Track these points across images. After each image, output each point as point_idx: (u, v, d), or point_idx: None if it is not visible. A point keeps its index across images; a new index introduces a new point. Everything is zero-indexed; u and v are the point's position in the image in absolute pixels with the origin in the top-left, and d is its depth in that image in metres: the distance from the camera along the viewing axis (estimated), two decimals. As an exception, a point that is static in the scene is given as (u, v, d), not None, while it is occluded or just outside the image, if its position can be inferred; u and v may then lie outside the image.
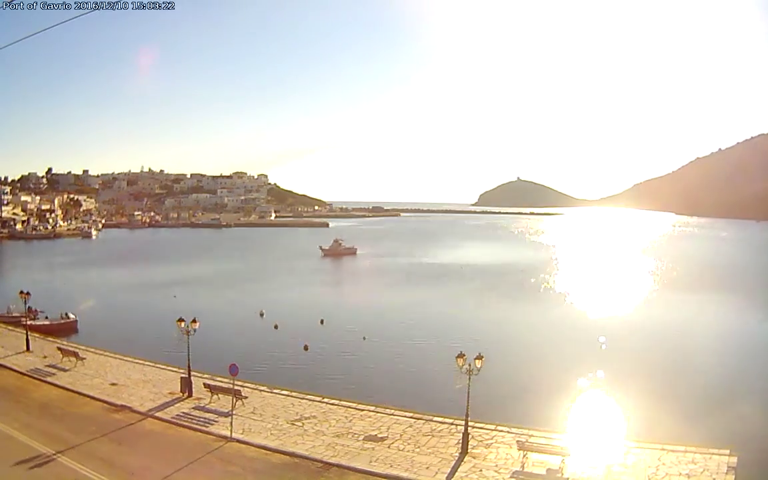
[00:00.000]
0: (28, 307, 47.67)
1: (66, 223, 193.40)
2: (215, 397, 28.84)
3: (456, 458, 22.26)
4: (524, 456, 22.03)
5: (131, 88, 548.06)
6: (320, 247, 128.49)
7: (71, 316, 52.61)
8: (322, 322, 56.18)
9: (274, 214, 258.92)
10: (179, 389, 29.85)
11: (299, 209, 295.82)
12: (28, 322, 41.91)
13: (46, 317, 50.76)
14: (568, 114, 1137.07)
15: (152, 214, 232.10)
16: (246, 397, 28.34)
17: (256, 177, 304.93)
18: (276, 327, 53.42)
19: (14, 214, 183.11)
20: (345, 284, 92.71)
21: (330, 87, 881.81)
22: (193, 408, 27.90)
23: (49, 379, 31.89)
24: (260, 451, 23.15)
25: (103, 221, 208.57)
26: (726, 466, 20.74)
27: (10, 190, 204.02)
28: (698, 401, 35.37)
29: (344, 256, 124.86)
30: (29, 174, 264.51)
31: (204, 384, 29.56)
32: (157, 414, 26.98)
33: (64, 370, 33.48)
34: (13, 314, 47.44)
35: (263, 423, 26.00)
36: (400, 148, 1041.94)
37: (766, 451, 25.50)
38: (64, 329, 50.12)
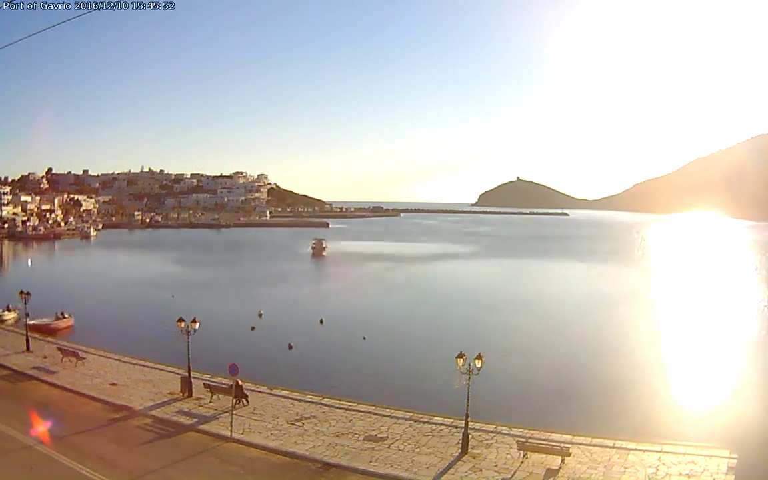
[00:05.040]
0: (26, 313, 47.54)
1: (66, 223, 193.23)
2: (215, 397, 28.87)
3: (456, 458, 22.28)
4: (524, 456, 22.05)
5: (131, 89, 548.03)
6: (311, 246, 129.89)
7: (66, 315, 52.36)
8: (321, 321, 56.16)
9: (273, 214, 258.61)
10: (179, 389, 29.86)
11: (299, 209, 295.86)
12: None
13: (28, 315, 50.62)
14: (567, 114, 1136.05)
15: (152, 214, 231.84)
16: (246, 396, 28.35)
17: (256, 177, 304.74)
18: (265, 328, 53.34)
19: (14, 214, 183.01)
20: (345, 284, 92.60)
21: (328, 86, 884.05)
22: (193, 408, 27.91)
23: (49, 379, 31.88)
24: (260, 451, 23.17)
25: (103, 222, 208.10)
26: (726, 466, 20.77)
27: (10, 190, 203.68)
28: (698, 401, 35.40)
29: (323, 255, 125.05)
30: (29, 174, 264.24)
31: (204, 384, 29.59)
32: (157, 414, 26.99)
33: (64, 370, 33.48)
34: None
35: (263, 423, 26.01)
36: (400, 148, 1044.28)
37: (766, 451, 25.48)
38: (59, 329, 49.78)
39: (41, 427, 22.81)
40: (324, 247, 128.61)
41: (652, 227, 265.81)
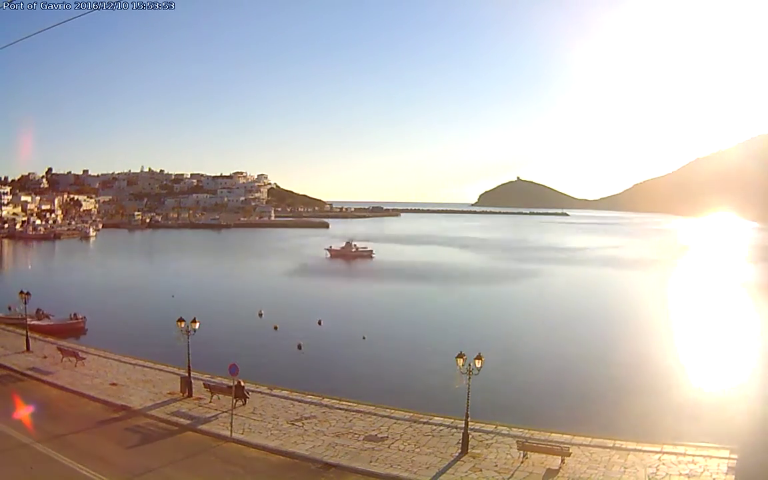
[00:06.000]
0: (37, 309, 47.72)
1: (66, 223, 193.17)
2: (215, 397, 28.86)
3: (456, 458, 22.27)
4: (524, 456, 22.05)
5: (131, 88, 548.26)
6: (327, 249, 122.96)
7: (80, 316, 52.33)
8: (319, 322, 55.94)
9: (273, 214, 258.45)
10: (179, 389, 29.85)
11: (299, 209, 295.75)
12: (34, 322, 41.71)
13: (47, 315, 50.54)
14: (568, 114, 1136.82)
15: (152, 214, 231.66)
16: (247, 396, 28.35)
17: (256, 177, 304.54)
18: (276, 328, 53.28)
19: (14, 214, 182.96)
20: (344, 284, 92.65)
21: (327, 84, 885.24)
22: (193, 408, 27.90)
23: (49, 379, 31.85)
24: (260, 451, 23.17)
25: (103, 222, 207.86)
26: (726, 466, 20.76)
27: (10, 190, 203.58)
28: (698, 401, 35.38)
29: (357, 259, 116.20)
30: (29, 174, 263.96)
31: (204, 384, 29.57)
32: (157, 414, 26.98)
33: (64, 371, 33.46)
34: (19, 316, 46.75)
35: (263, 423, 26.00)
36: (399, 148, 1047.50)
37: (766, 451, 25.48)
38: (72, 329, 49.80)
39: (23, 412, 23.20)
40: (352, 248, 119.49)
41: (679, 232, 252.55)
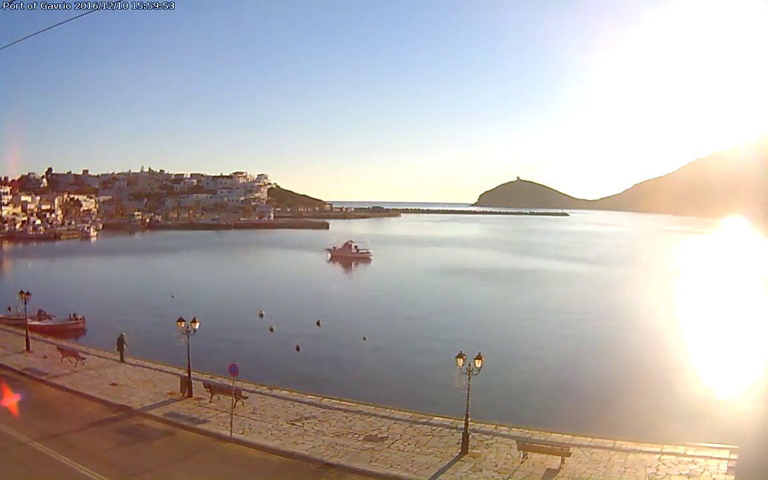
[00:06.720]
0: (39, 310, 47.73)
1: (66, 223, 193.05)
2: (215, 397, 28.86)
3: (456, 458, 22.27)
4: (524, 456, 22.05)
5: (131, 89, 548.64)
6: (329, 249, 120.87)
7: (79, 316, 52.32)
8: (318, 323, 55.84)
9: (273, 214, 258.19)
10: (179, 389, 29.86)
11: (299, 209, 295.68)
12: (34, 323, 41.65)
13: (48, 316, 50.51)
14: (568, 114, 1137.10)
15: (152, 214, 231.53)
16: (246, 397, 28.35)
17: (256, 177, 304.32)
18: (272, 330, 53.21)
19: (14, 214, 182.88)
20: (344, 285, 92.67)
21: (329, 85, 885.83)
22: (192, 408, 27.90)
23: (48, 379, 31.85)
24: (260, 451, 23.17)
25: (103, 222, 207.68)
26: (726, 466, 20.77)
27: (10, 190, 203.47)
28: (698, 401, 35.36)
29: (356, 260, 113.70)
30: (29, 174, 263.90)
31: (204, 384, 29.57)
32: (156, 414, 26.98)
33: (64, 371, 33.46)
34: (17, 316, 46.61)
35: (263, 423, 26.00)
36: (399, 148, 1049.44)
37: (766, 451, 25.48)
38: (72, 330, 49.80)
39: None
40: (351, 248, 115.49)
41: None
